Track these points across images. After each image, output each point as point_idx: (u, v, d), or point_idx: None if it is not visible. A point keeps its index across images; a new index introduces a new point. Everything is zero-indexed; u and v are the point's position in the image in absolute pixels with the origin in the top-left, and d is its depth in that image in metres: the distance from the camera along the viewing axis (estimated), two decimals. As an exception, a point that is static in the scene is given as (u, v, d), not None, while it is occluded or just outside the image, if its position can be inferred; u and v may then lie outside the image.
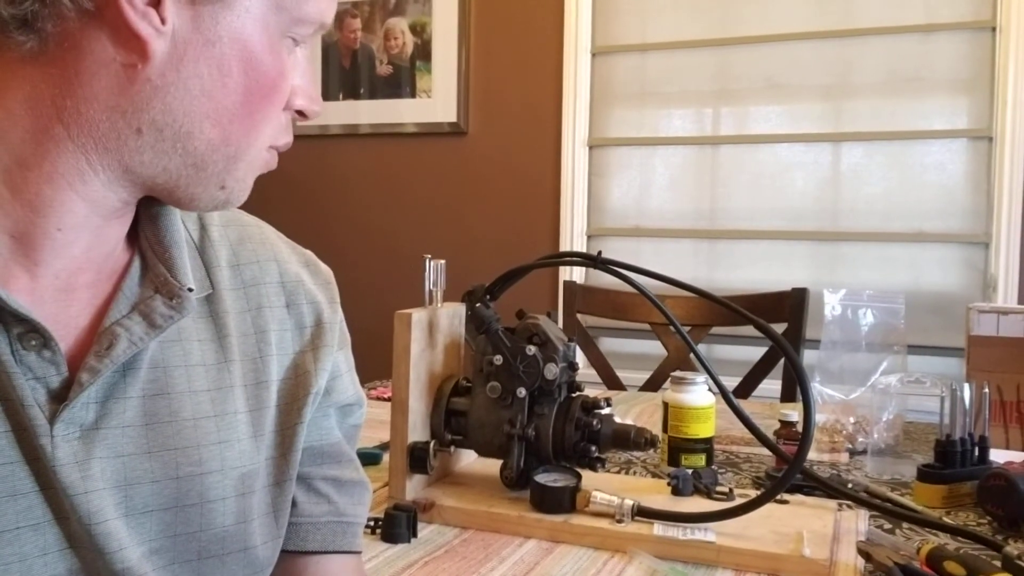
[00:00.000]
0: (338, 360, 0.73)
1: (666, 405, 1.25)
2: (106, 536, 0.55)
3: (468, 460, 1.20)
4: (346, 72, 3.23)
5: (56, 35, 0.52)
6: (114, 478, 0.56)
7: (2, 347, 0.53)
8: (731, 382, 1.92)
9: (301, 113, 0.63)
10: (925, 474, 1.13)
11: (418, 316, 1.06)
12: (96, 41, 0.53)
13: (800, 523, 0.98)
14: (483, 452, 1.11)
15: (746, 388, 1.97)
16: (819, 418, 1.40)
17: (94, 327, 0.58)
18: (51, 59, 0.53)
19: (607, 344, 2.84)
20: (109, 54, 0.53)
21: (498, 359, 1.06)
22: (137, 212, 0.63)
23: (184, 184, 0.58)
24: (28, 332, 0.53)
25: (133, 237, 0.63)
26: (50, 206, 0.55)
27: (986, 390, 1.22)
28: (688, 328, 2.03)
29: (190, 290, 0.61)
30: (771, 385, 1.99)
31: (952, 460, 1.13)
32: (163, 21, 0.52)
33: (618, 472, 1.26)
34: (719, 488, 1.08)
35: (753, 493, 0.99)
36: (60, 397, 0.54)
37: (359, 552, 0.75)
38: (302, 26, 0.59)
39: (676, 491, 1.07)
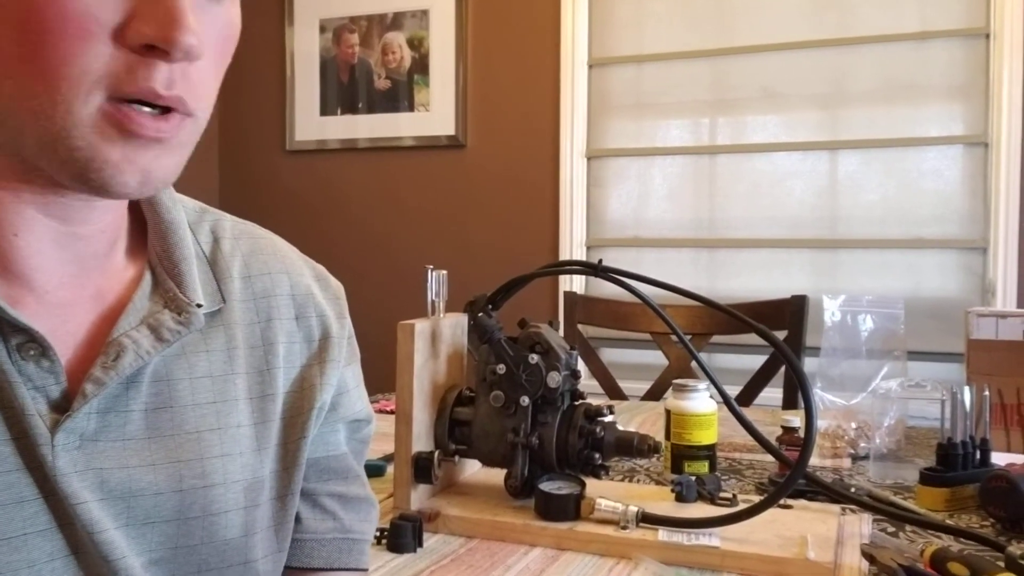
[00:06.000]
0: (345, 375, 0.73)
1: (668, 412, 1.26)
2: (108, 545, 0.55)
3: (472, 470, 1.20)
4: (344, 87, 3.25)
5: None
6: (116, 489, 0.56)
7: (2, 356, 0.52)
8: (733, 390, 1.90)
9: (154, 48, 0.49)
10: (927, 477, 1.14)
11: (421, 326, 1.07)
12: None
13: (804, 527, 0.99)
14: (487, 461, 1.12)
15: (748, 396, 1.98)
16: (821, 424, 1.40)
17: (93, 341, 0.58)
18: None
19: (608, 355, 2.84)
20: None
21: (501, 368, 1.06)
22: (147, 228, 0.63)
23: (35, 157, 0.51)
24: (27, 342, 0.53)
25: (143, 253, 0.63)
26: None
27: (986, 393, 1.22)
28: (689, 337, 2.03)
29: (199, 306, 0.61)
30: (772, 393, 1.99)
31: (954, 463, 1.13)
32: None
33: (622, 480, 1.26)
34: (723, 494, 1.08)
35: (756, 499, 0.99)
36: (59, 407, 0.54)
37: (366, 569, 0.75)
38: None
39: (680, 497, 1.08)
